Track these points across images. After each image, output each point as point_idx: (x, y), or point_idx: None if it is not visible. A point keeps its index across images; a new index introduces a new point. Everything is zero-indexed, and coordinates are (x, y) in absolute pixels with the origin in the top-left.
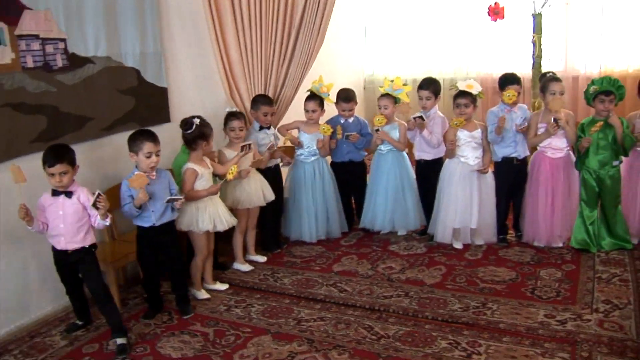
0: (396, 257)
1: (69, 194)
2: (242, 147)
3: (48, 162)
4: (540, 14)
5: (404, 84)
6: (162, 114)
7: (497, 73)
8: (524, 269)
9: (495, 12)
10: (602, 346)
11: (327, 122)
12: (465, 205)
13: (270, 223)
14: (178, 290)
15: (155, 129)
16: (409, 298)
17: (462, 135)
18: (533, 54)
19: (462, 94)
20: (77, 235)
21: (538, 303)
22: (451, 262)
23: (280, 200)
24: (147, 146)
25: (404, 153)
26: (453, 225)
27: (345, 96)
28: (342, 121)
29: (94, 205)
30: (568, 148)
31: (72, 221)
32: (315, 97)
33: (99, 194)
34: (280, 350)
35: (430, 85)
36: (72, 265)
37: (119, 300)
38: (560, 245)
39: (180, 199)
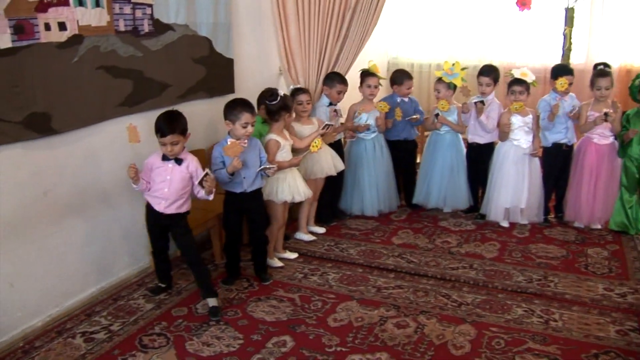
0: (449, 233)
1: (179, 161)
2: (326, 125)
3: (160, 131)
4: (573, 8)
5: (463, 68)
6: (228, 85)
7: (522, 63)
8: (571, 247)
9: (523, 3)
10: None
11: (383, 100)
12: (516, 186)
13: (327, 196)
14: (259, 256)
15: (220, 100)
16: (474, 270)
17: (516, 120)
18: (563, 46)
19: (518, 81)
20: (177, 202)
21: (594, 278)
22: (502, 239)
23: (340, 174)
24: (245, 117)
25: (459, 135)
26: (505, 204)
27: (409, 75)
28: (398, 100)
29: (200, 183)
30: (613, 136)
31: (177, 188)
32: (374, 75)
33: (206, 173)
34: (370, 315)
35: (491, 73)
36: (163, 227)
37: None
38: (599, 227)
39: (274, 167)
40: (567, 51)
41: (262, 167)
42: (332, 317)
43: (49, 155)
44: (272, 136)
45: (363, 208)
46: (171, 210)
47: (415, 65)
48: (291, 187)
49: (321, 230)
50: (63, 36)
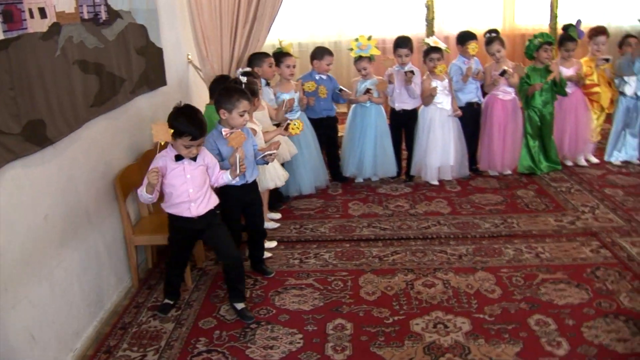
0: (394, 198)
1: (194, 157)
2: (287, 124)
3: (190, 134)
4: None
5: (368, 38)
6: (161, 77)
7: (390, 36)
8: (503, 192)
9: None
10: (613, 232)
11: (301, 79)
12: (444, 146)
13: None
14: (259, 250)
15: (156, 94)
16: (445, 225)
17: (437, 84)
18: (426, 17)
19: (435, 49)
20: (205, 199)
21: (540, 213)
22: (443, 196)
23: None
24: (243, 104)
25: (381, 105)
26: (437, 164)
27: (330, 52)
28: (317, 78)
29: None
30: (514, 92)
31: (200, 184)
32: (291, 54)
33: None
34: (395, 281)
35: (408, 44)
36: (196, 234)
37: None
38: (510, 172)
39: (275, 153)
40: (430, 21)
41: (265, 153)
42: (362, 291)
43: (43, 171)
44: (249, 125)
45: (300, 188)
46: (203, 209)
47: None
48: (272, 174)
49: (277, 215)
50: (44, 25)
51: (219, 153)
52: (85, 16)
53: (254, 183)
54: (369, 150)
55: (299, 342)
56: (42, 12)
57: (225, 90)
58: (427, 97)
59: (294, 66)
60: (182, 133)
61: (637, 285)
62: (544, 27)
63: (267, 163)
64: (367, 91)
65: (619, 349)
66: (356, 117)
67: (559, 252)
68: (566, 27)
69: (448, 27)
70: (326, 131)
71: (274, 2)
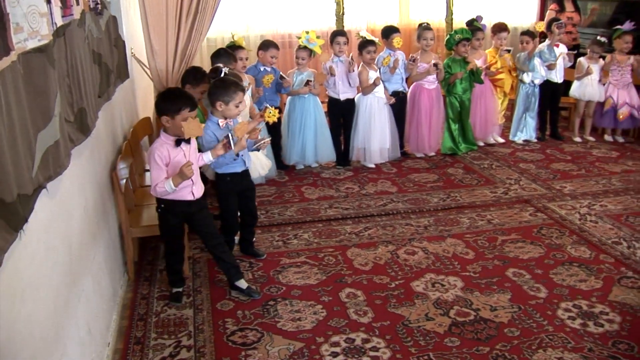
0: (340, 181)
1: (188, 140)
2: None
3: (189, 106)
4: None
5: (317, 37)
6: (125, 70)
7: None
8: (435, 171)
9: None
10: (541, 199)
11: (248, 72)
12: (382, 131)
13: None
14: (250, 234)
15: (122, 87)
16: (399, 202)
17: (372, 74)
18: (336, 12)
19: (372, 42)
20: (199, 180)
21: (475, 187)
22: (384, 177)
23: None
24: (239, 96)
25: (317, 96)
26: (377, 148)
27: (276, 45)
28: (261, 69)
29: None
30: (437, 81)
31: (196, 166)
32: (243, 47)
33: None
34: (380, 253)
35: (345, 34)
36: (189, 217)
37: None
38: (433, 154)
39: (268, 139)
40: (340, 16)
41: (261, 141)
42: (355, 263)
43: (79, 162)
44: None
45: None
46: (199, 192)
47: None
48: (255, 164)
49: None
50: (78, 12)
51: (217, 142)
52: (91, 4)
53: (248, 169)
54: (309, 138)
55: (322, 312)
56: None
57: (221, 82)
58: (370, 86)
59: (246, 58)
60: (176, 108)
61: (576, 239)
62: (436, 21)
63: (259, 150)
64: (307, 83)
65: (583, 287)
66: (295, 108)
67: (505, 218)
68: (470, 22)
69: (353, 21)
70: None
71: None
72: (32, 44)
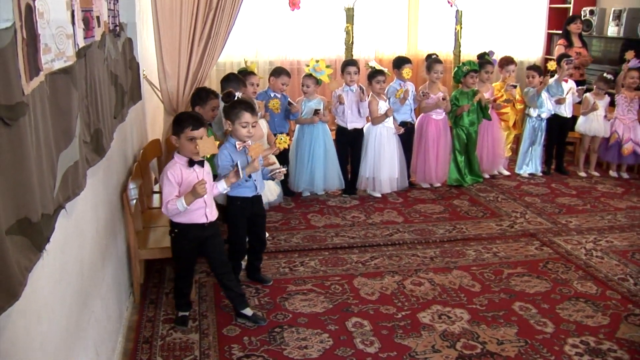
0: (347, 210)
1: (201, 163)
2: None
3: (191, 124)
4: (352, 8)
5: (327, 66)
6: (138, 91)
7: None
8: (441, 202)
9: (293, 3)
10: (547, 233)
11: (258, 98)
12: (391, 161)
13: None
14: (258, 260)
15: (134, 108)
16: (405, 232)
17: (382, 104)
18: (346, 41)
19: (381, 72)
20: (213, 204)
21: (481, 219)
22: (390, 207)
23: None
24: (245, 117)
25: (326, 124)
26: (386, 178)
27: (287, 72)
28: (272, 95)
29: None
30: (444, 113)
31: (210, 189)
32: (255, 73)
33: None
34: (386, 283)
35: (355, 63)
36: (202, 242)
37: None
38: (439, 185)
39: (284, 169)
40: (349, 45)
41: (276, 170)
42: (362, 292)
43: (93, 182)
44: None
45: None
46: (213, 215)
47: None
48: (264, 189)
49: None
50: (99, 33)
51: (232, 165)
52: (110, 26)
53: (260, 195)
54: (318, 166)
55: (329, 341)
56: (98, 21)
57: (232, 102)
58: (381, 117)
59: (257, 84)
60: (183, 126)
61: (582, 274)
62: (444, 52)
63: (273, 179)
64: (316, 112)
65: (590, 323)
66: (304, 135)
67: (511, 251)
68: (482, 55)
69: (361, 51)
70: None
71: (228, 20)
72: (58, 65)
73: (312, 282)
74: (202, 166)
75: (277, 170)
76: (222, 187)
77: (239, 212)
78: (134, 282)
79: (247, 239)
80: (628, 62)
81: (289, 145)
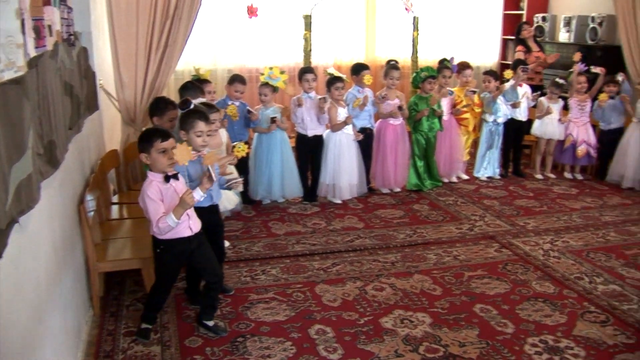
0: (307, 217)
1: (175, 176)
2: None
3: (160, 137)
4: (309, 15)
5: (282, 72)
6: (94, 101)
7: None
8: (401, 207)
9: (251, 11)
10: (505, 235)
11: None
12: (350, 167)
13: None
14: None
15: (90, 119)
16: (366, 238)
17: (341, 111)
18: (304, 49)
19: (340, 78)
20: (194, 215)
21: (441, 223)
22: (351, 212)
23: None
24: (199, 125)
25: (285, 131)
26: (346, 184)
27: (242, 79)
28: (229, 103)
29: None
30: (402, 119)
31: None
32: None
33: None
34: (348, 289)
35: (313, 71)
36: (188, 255)
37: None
38: (399, 189)
39: (241, 179)
40: (307, 52)
41: (233, 180)
42: (324, 299)
43: (47, 194)
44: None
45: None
46: (197, 226)
47: None
48: (222, 198)
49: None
50: (51, 43)
51: (187, 175)
52: (64, 35)
53: (217, 206)
54: (276, 173)
55: (291, 349)
56: (50, 30)
57: (185, 113)
58: (340, 124)
59: (213, 92)
60: (151, 138)
61: (540, 275)
62: (401, 58)
63: (230, 189)
64: (273, 120)
65: (549, 322)
66: (262, 143)
67: (471, 254)
68: (442, 61)
69: (320, 58)
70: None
71: (186, 28)
72: (8, 75)
73: (274, 291)
74: (177, 179)
75: (234, 181)
76: (198, 195)
77: None
78: (93, 296)
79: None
80: (577, 63)
81: (248, 154)
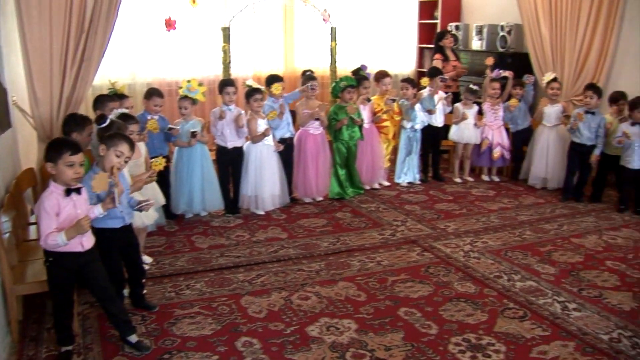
0: (231, 229)
1: (78, 190)
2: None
3: (70, 149)
4: (228, 27)
5: (199, 84)
6: (6, 119)
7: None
8: (324, 216)
9: (169, 24)
10: (427, 239)
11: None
12: (272, 177)
13: None
14: (140, 288)
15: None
16: (290, 248)
17: (261, 122)
18: (223, 61)
19: (258, 90)
20: (89, 232)
21: (364, 230)
22: (274, 223)
23: None
24: (123, 147)
25: (205, 145)
26: (269, 195)
27: (159, 93)
28: (148, 117)
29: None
30: (322, 128)
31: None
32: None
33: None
34: (273, 299)
35: (233, 83)
36: (79, 269)
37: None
38: (321, 198)
39: (151, 202)
40: (227, 65)
41: (144, 203)
42: (250, 311)
43: None
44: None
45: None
46: (89, 243)
47: None
48: (140, 214)
49: (149, 259)
50: None
51: (96, 195)
52: None
53: (130, 225)
54: (196, 186)
55: None
56: None
57: (108, 129)
58: (259, 136)
59: (131, 107)
60: (58, 152)
61: (462, 275)
62: (320, 68)
63: (141, 210)
64: (193, 134)
65: (470, 321)
66: (182, 157)
67: (394, 259)
68: (356, 71)
69: (239, 69)
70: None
71: (102, 42)
72: None
73: (199, 305)
74: (80, 193)
75: (145, 203)
76: (98, 211)
77: (109, 243)
78: (11, 320)
79: (123, 268)
80: (489, 68)
81: (167, 167)
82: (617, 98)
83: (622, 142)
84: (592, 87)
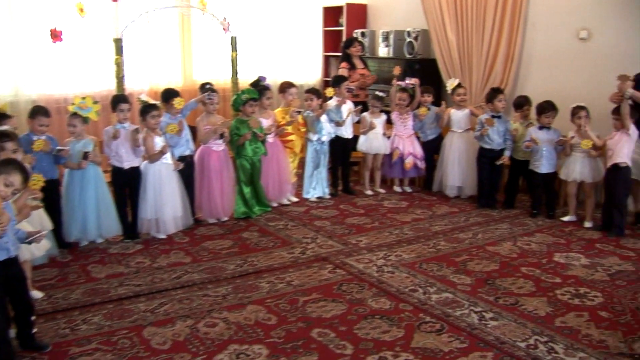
0: (130, 256)
1: None
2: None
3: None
4: (120, 39)
5: (95, 102)
6: None
7: (78, 93)
8: (230, 237)
9: (55, 35)
10: (339, 255)
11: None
12: (173, 199)
13: None
14: (29, 327)
15: None
16: (194, 273)
17: (158, 140)
18: (117, 74)
19: (154, 106)
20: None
21: (273, 249)
22: (177, 247)
23: None
24: (15, 179)
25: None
26: (170, 217)
27: (46, 110)
28: (34, 138)
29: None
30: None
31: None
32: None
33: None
34: (178, 329)
35: (127, 99)
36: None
37: None
38: (226, 218)
39: (44, 232)
40: (120, 78)
41: (35, 235)
42: (153, 343)
43: None
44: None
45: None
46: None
47: None
48: (30, 246)
49: (40, 294)
50: None
51: None
52: None
53: (16, 258)
54: (90, 211)
55: None
56: None
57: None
58: (157, 154)
59: (15, 128)
60: None
61: (376, 291)
62: (221, 80)
63: (31, 243)
64: (85, 155)
65: (387, 338)
66: (73, 180)
67: (305, 278)
68: (255, 83)
69: (134, 83)
70: (50, 195)
71: None
72: None
73: (98, 340)
74: None
75: (37, 235)
76: None
77: None
78: None
79: (8, 305)
80: (397, 78)
81: (57, 191)
82: (522, 103)
83: (530, 146)
84: (500, 92)
